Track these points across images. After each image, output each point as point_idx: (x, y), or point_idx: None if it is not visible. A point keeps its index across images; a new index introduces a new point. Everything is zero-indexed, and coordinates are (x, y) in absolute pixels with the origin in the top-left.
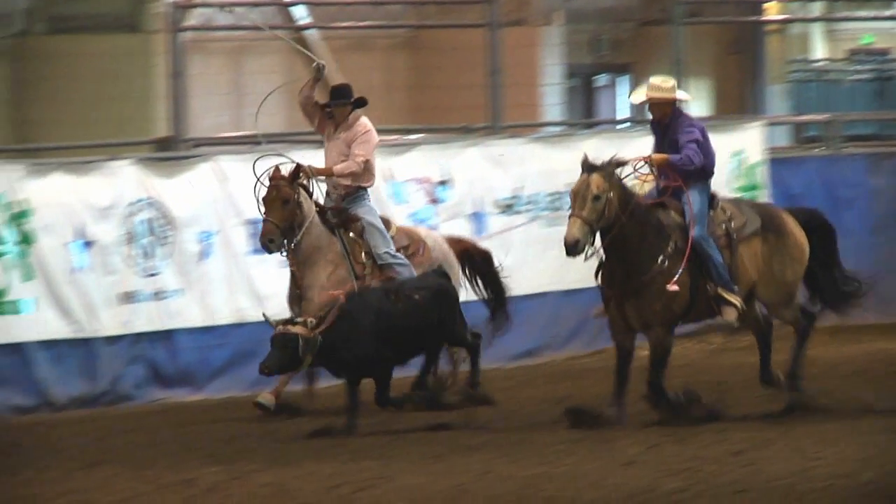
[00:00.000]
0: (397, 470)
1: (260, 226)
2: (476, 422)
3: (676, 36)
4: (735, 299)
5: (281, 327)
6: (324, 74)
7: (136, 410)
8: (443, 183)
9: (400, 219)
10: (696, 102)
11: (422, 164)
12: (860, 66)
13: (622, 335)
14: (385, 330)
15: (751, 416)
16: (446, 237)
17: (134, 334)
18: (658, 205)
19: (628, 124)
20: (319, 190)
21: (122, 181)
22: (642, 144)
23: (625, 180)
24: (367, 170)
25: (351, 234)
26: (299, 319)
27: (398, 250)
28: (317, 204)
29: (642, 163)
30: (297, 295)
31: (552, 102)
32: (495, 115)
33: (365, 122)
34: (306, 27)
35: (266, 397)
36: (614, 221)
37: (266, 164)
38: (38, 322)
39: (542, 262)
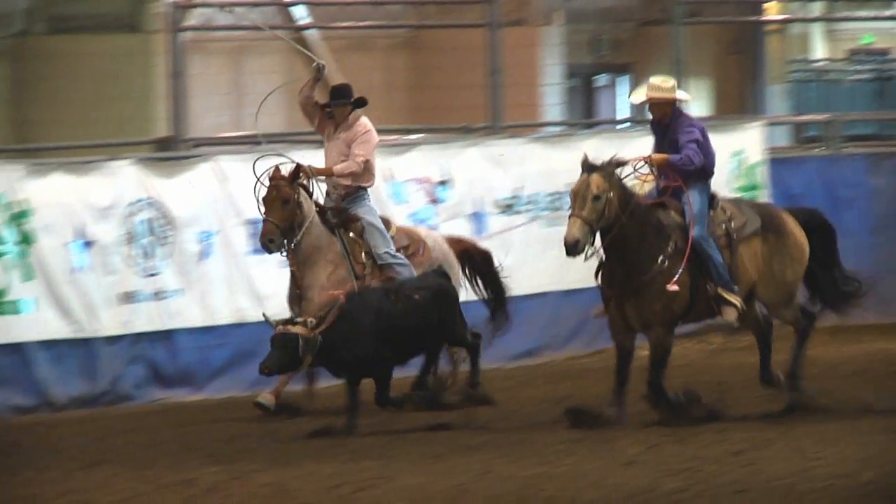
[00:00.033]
0: (397, 470)
1: (260, 226)
2: (476, 422)
3: (676, 36)
4: (735, 299)
5: (281, 327)
6: (324, 74)
7: (136, 410)
8: (443, 183)
9: (400, 219)
10: (696, 102)
11: (422, 164)
12: (860, 66)
13: (622, 335)
14: (385, 330)
15: (751, 416)
16: (446, 237)
17: (134, 334)
18: (658, 205)
19: (628, 124)
20: (319, 190)
21: (122, 181)
22: (642, 144)
23: (625, 180)
24: (367, 170)
25: (351, 234)
26: (299, 319)
27: (398, 250)
28: (317, 204)
29: (642, 163)
30: (297, 295)
31: (552, 102)
32: (495, 115)
33: (365, 122)
34: (306, 27)
35: (266, 397)
36: (614, 221)
37: (266, 164)
38: (38, 322)
39: (542, 262)
